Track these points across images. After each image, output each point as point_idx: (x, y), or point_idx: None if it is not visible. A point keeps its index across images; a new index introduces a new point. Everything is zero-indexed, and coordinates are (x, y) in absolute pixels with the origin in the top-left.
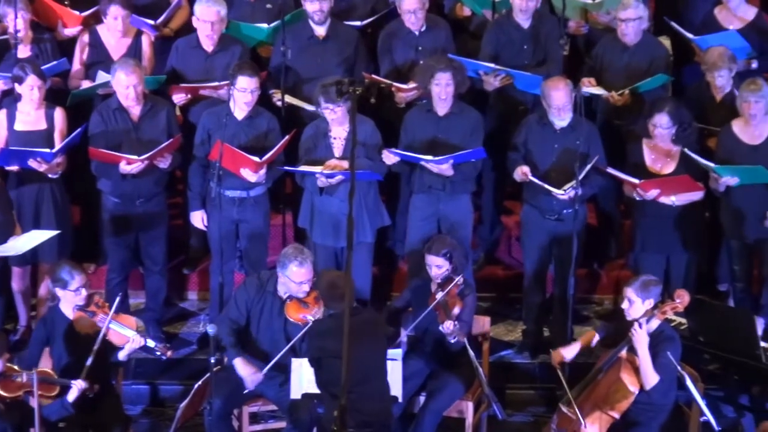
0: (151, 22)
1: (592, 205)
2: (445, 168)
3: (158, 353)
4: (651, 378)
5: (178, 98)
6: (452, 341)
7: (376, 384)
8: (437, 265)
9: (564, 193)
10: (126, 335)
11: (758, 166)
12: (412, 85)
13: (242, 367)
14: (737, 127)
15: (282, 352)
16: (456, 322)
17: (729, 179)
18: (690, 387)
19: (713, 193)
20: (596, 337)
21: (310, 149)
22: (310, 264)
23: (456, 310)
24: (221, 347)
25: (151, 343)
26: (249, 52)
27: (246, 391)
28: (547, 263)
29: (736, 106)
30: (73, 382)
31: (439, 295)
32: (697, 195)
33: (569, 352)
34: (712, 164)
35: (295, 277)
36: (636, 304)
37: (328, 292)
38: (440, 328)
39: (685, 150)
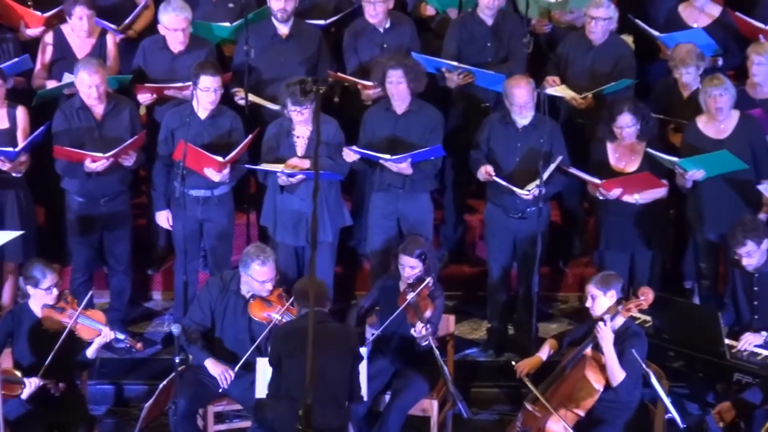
0: (114, 26)
1: (555, 202)
2: (404, 167)
3: (128, 346)
4: (617, 375)
5: (144, 98)
6: (423, 344)
7: (333, 394)
8: (411, 266)
9: (528, 193)
10: (96, 329)
11: (722, 151)
12: (374, 82)
13: (214, 367)
14: (702, 122)
15: (250, 350)
16: (428, 326)
17: (695, 173)
18: (655, 384)
19: (680, 189)
20: (557, 347)
21: (272, 147)
22: (272, 263)
23: (428, 313)
24: (191, 339)
25: (120, 336)
26: (215, 53)
27: (221, 390)
28: (512, 261)
29: (700, 102)
30: (26, 379)
31: (411, 296)
32: (660, 192)
33: (534, 363)
34: (676, 159)
35: (257, 276)
36: (599, 299)
37: (300, 293)
38: (412, 331)
39: (649, 150)
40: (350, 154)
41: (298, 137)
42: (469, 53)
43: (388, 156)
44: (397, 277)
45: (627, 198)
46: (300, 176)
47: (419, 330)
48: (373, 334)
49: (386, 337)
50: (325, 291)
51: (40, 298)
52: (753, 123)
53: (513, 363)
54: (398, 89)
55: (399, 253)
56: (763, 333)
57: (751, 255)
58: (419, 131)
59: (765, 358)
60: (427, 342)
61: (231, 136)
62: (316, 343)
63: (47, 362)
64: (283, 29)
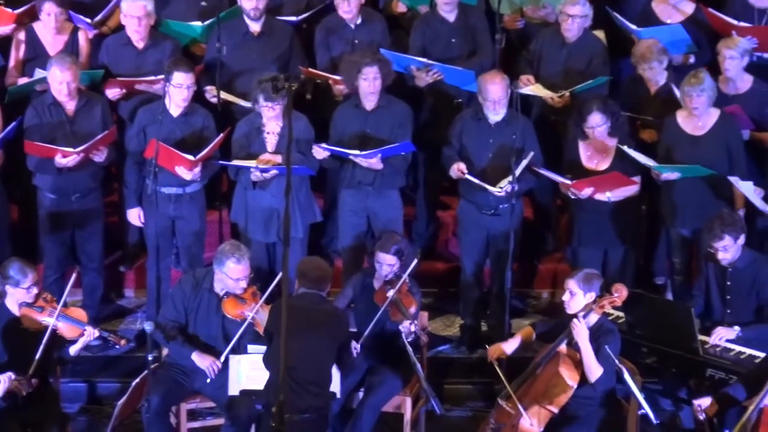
0: (89, 20)
1: (528, 199)
2: (374, 162)
3: (113, 343)
4: (595, 371)
5: (113, 93)
6: (408, 340)
7: (317, 376)
8: (388, 263)
9: (500, 190)
10: (79, 328)
11: (696, 166)
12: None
13: (201, 360)
14: (681, 117)
15: (230, 346)
16: (415, 322)
17: (670, 174)
18: (628, 380)
19: (655, 181)
20: (534, 334)
21: (243, 144)
22: (247, 261)
23: (412, 309)
24: (169, 337)
25: (104, 333)
26: (181, 48)
27: (208, 380)
28: (484, 258)
29: (678, 99)
30: (1, 375)
31: (391, 293)
32: (632, 189)
33: (508, 347)
34: (651, 163)
35: (232, 273)
36: (577, 297)
37: (313, 275)
38: (399, 327)
39: (624, 147)
40: (320, 151)
41: (268, 133)
42: (434, 51)
43: (357, 152)
44: (371, 274)
45: (599, 196)
46: (273, 171)
47: (407, 327)
48: (362, 341)
49: (359, 335)
50: (327, 274)
51: (19, 297)
52: (731, 122)
53: (486, 346)
54: (374, 85)
55: (376, 250)
56: (736, 328)
57: (727, 249)
58: (389, 126)
59: (738, 353)
60: (413, 339)
61: (203, 134)
62: (307, 324)
63: (36, 361)
64: (255, 27)
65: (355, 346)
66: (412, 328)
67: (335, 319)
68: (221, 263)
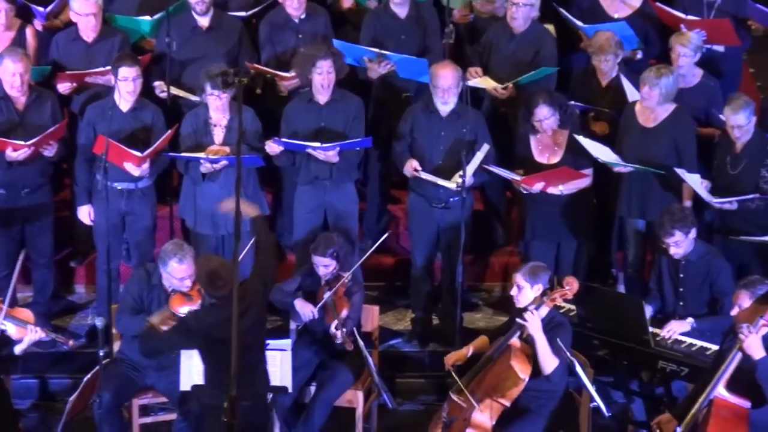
0: (42, 8)
1: (478, 192)
2: (331, 155)
3: (60, 343)
4: (550, 362)
5: (63, 87)
6: (337, 343)
7: (251, 360)
8: (324, 265)
9: (457, 185)
10: (25, 328)
11: (648, 168)
12: (294, 73)
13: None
14: (638, 107)
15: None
16: (343, 329)
17: (622, 168)
18: (580, 373)
19: (608, 172)
20: (486, 342)
21: (191, 137)
22: (190, 260)
23: (344, 313)
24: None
25: (52, 334)
26: (130, 42)
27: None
28: (435, 251)
29: (627, 93)
30: None
31: (327, 296)
32: (584, 182)
33: (465, 354)
34: (602, 157)
35: (175, 273)
36: (525, 290)
37: (208, 280)
38: (330, 330)
39: (579, 138)
40: (274, 147)
41: (215, 126)
42: (384, 47)
43: (317, 144)
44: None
45: (551, 190)
46: (223, 162)
47: (334, 330)
48: (298, 326)
49: (311, 330)
50: (223, 277)
51: None
52: (684, 118)
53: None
54: (329, 79)
55: (311, 253)
56: (689, 320)
57: (678, 245)
58: (343, 120)
59: (689, 345)
60: (340, 343)
61: (152, 130)
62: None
63: None
64: (204, 21)
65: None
66: (338, 334)
67: (254, 298)
68: (164, 263)
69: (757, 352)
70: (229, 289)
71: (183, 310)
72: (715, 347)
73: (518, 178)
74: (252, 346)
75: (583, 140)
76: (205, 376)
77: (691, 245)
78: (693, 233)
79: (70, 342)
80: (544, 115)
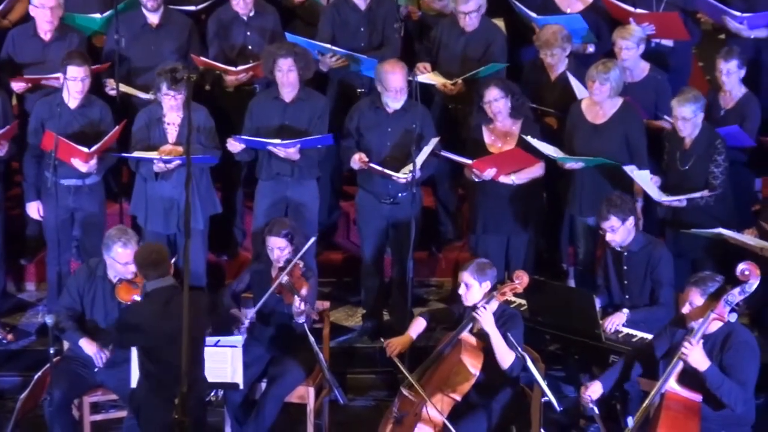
0: None
1: (428, 188)
2: (292, 152)
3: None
4: (507, 357)
5: (18, 86)
6: (300, 321)
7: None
8: (279, 247)
9: (405, 177)
10: None
11: (598, 158)
12: (241, 67)
13: (88, 346)
14: (585, 104)
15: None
16: (307, 304)
17: (573, 164)
18: (531, 368)
19: (559, 167)
20: (423, 323)
21: (144, 135)
22: (134, 244)
23: (304, 291)
24: (63, 326)
25: None
26: (86, 40)
27: (96, 369)
28: (385, 247)
29: (574, 88)
30: None
31: (284, 278)
32: (537, 172)
33: (406, 340)
34: (554, 154)
35: (119, 258)
36: (473, 288)
37: (148, 259)
38: (293, 308)
39: (528, 138)
40: (235, 145)
41: (169, 124)
42: (342, 38)
43: (277, 141)
44: (269, 263)
45: (504, 179)
46: (177, 162)
47: (298, 305)
48: (250, 318)
49: (261, 325)
50: (163, 256)
51: None
52: (633, 111)
53: (382, 340)
54: (289, 78)
55: (265, 235)
56: (625, 311)
57: (614, 230)
58: (307, 118)
59: (640, 339)
60: (305, 320)
61: (100, 126)
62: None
63: None
64: (153, 18)
65: (243, 325)
66: (302, 307)
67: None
68: (108, 248)
69: (701, 365)
70: (166, 268)
71: (132, 298)
72: None
73: (468, 161)
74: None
75: (532, 140)
76: (141, 376)
77: (629, 234)
78: (630, 222)
79: (9, 337)
80: (494, 97)
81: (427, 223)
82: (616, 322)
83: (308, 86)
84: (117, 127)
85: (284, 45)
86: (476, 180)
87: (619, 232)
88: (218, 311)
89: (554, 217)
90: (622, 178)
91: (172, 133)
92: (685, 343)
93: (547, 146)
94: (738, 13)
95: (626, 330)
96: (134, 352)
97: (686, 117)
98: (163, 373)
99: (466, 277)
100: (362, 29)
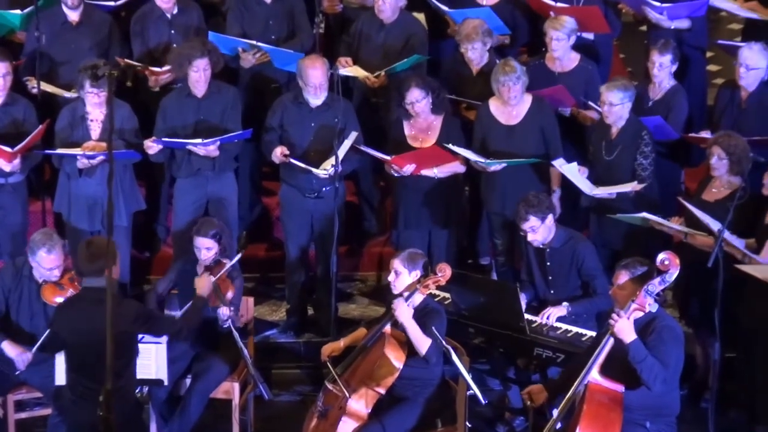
0: None
1: (351, 182)
2: (212, 149)
3: None
4: (423, 343)
5: None
6: (225, 326)
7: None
8: (207, 247)
9: (325, 172)
10: None
11: (524, 159)
12: (166, 68)
13: (10, 349)
14: (494, 106)
15: (47, 333)
16: (231, 307)
17: (497, 166)
18: (455, 361)
19: (473, 166)
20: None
21: (67, 132)
22: (59, 249)
23: (229, 294)
24: None
25: None
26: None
27: (17, 372)
28: (309, 242)
29: (492, 87)
30: None
31: (211, 280)
32: (459, 168)
33: (341, 345)
34: (477, 158)
35: (44, 263)
36: (403, 276)
37: (86, 252)
38: (217, 312)
39: (449, 146)
40: (153, 146)
41: (92, 121)
42: (253, 33)
43: (198, 140)
44: (195, 261)
45: (426, 172)
46: (100, 158)
47: (224, 312)
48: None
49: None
50: (101, 251)
51: None
52: (544, 106)
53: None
54: (205, 76)
55: (193, 235)
56: (565, 304)
57: (535, 230)
58: (220, 110)
59: (565, 332)
60: (228, 324)
61: (23, 126)
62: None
63: None
64: (73, 16)
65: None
66: (228, 312)
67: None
68: (33, 252)
69: (627, 336)
70: (101, 266)
71: (57, 300)
72: (590, 333)
73: (387, 157)
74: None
75: (454, 147)
76: (67, 378)
77: (551, 232)
78: (550, 220)
79: None
80: (416, 98)
81: (350, 217)
82: (553, 314)
83: (216, 76)
84: (41, 126)
85: (195, 45)
86: (396, 175)
87: (540, 231)
88: (150, 321)
89: (475, 211)
90: (538, 171)
91: (95, 129)
92: (614, 315)
93: (470, 152)
94: (658, 3)
95: (564, 326)
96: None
97: (613, 102)
98: (88, 375)
99: (397, 264)
100: (271, 22)
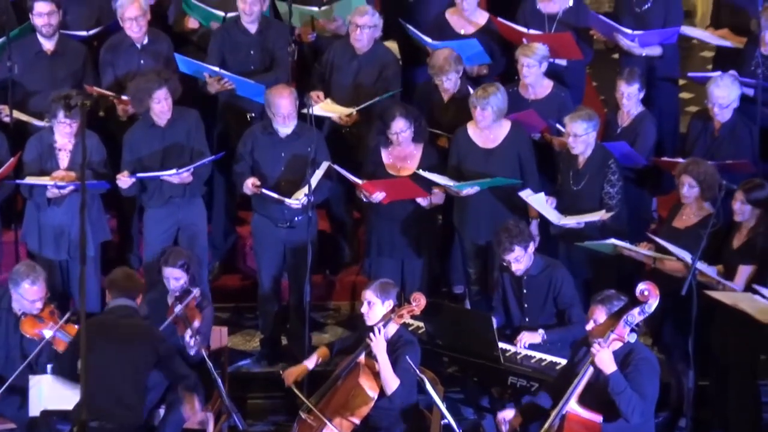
0: None
1: (324, 211)
2: (185, 176)
3: None
4: (392, 383)
5: None
6: (192, 354)
7: (119, 395)
8: (175, 277)
9: (298, 202)
10: None
11: (496, 178)
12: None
13: None
14: (471, 129)
15: (18, 371)
16: (197, 336)
17: (469, 190)
18: (430, 390)
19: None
20: (329, 354)
21: (36, 161)
22: (42, 282)
23: (196, 324)
24: None
25: None
26: None
27: None
28: (282, 271)
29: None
30: None
31: (178, 308)
32: (439, 198)
33: (303, 370)
34: (449, 183)
35: (27, 295)
36: (375, 307)
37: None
38: (183, 341)
39: (420, 171)
40: (127, 181)
41: (61, 150)
42: (232, 61)
43: (172, 171)
44: (164, 291)
45: (421, 201)
46: (70, 187)
47: (188, 340)
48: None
49: None
50: (137, 283)
51: None
52: (521, 133)
53: (281, 372)
54: (167, 104)
55: (161, 265)
56: (540, 331)
57: (519, 260)
58: (184, 133)
59: (539, 360)
60: (195, 352)
61: None
62: (117, 340)
63: None
64: (48, 45)
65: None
66: (192, 342)
67: (144, 332)
68: (17, 284)
69: (608, 367)
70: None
71: (38, 332)
72: (563, 361)
73: (359, 181)
74: (131, 379)
75: (426, 174)
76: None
77: (531, 260)
78: (531, 248)
79: None
80: (401, 128)
81: (323, 246)
82: (528, 341)
83: (190, 102)
84: (12, 158)
85: (151, 77)
86: (365, 201)
87: (524, 260)
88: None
89: (448, 239)
90: (513, 199)
91: (63, 159)
92: (595, 345)
93: (441, 177)
94: (629, 31)
95: (538, 355)
96: (32, 381)
97: (578, 133)
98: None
99: (369, 295)
100: (252, 52)
